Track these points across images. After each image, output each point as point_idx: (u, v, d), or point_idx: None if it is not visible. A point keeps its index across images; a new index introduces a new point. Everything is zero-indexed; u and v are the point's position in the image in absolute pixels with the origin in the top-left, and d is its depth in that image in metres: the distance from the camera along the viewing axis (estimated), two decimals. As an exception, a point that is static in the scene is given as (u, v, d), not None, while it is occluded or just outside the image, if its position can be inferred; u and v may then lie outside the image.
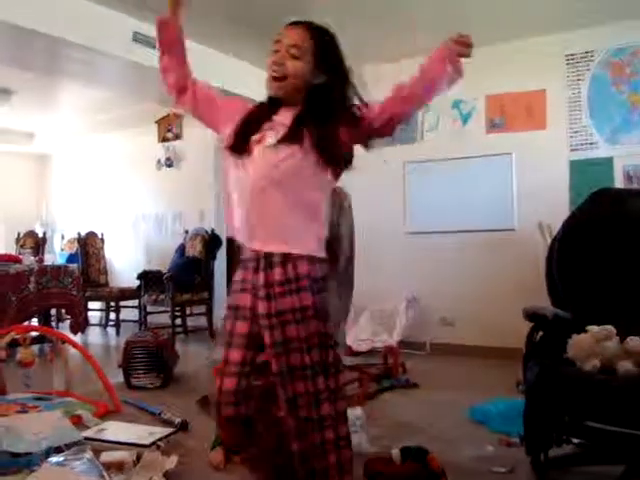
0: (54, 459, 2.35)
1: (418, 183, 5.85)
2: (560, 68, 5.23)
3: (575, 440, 2.52)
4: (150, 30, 5.00)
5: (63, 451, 2.50)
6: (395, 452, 2.43)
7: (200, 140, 7.39)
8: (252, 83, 6.63)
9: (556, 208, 4.70)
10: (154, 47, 5.22)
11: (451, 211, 5.64)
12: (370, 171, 6.11)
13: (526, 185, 5.31)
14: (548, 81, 5.27)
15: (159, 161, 7.89)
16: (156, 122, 7.61)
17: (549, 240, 3.79)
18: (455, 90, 5.65)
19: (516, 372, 3.66)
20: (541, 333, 2.60)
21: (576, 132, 5.18)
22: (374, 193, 6.03)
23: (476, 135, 5.57)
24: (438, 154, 5.71)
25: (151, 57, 5.04)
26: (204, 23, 5.00)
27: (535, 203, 5.19)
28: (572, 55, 5.20)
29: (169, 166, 7.79)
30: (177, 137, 7.54)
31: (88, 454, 2.38)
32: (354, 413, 3.03)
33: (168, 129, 7.62)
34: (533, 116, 5.32)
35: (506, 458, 2.71)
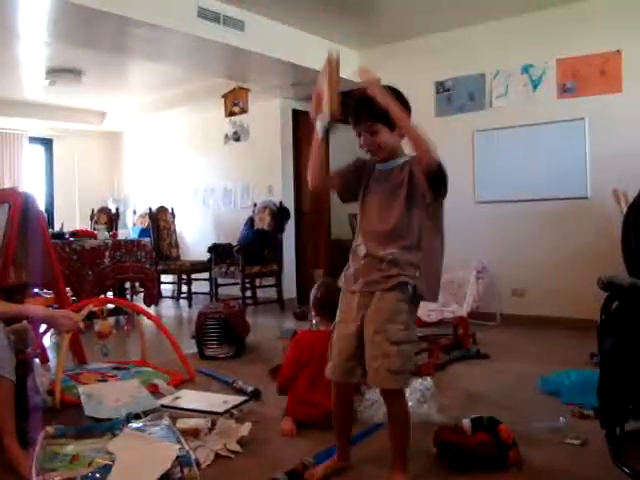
0: (134, 425, 2.45)
1: (487, 151, 5.75)
2: (637, 27, 5.00)
3: (653, 413, 2.46)
4: (214, 5, 5.06)
5: (141, 418, 2.60)
6: (466, 422, 2.43)
7: (267, 113, 7.44)
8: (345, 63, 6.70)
9: (632, 175, 4.54)
10: (219, 22, 5.29)
11: (522, 179, 5.53)
12: (438, 140, 6.04)
13: (600, 151, 5.14)
14: (624, 41, 5.05)
15: (226, 135, 7.99)
16: (222, 96, 7.67)
17: (624, 208, 3.67)
18: (525, 54, 5.48)
19: (589, 344, 3.60)
20: (617, 303, 2.53)
21: (654, 94, 4.96)
22: (443, 163, 5.95)
23: (547, 100, 5.41)
24: (507, 121, 5.59)
25: (216, 32, 5.11)
26: (295, 6, 5.04)
27: (609, 170, 5.02)
28: (651, 13, 4.96)
29: (236, 140, 7.88)
30: (244, 111, 7.58)
31: (166, 420, 2.47)
32: (423, 383, 3.05)
33: (235, 103, 7.67)
34: (608, 79, 5.11)
35: (579, 430, 2.67)
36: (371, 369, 2.13)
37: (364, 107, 2.22)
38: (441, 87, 6.00)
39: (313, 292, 3.07)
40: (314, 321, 3.22)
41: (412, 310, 2.19)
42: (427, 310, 5.17)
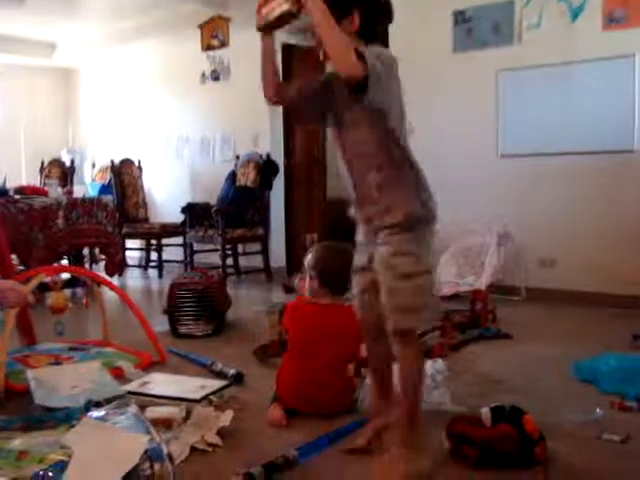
0: (94, 414, 2.45)
1: (514, 95, 5.70)
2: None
3: None
4: None
5: (103, 406, 2.61)
6: (485, 411, 2.45)
7: (251, 48, 7.27)
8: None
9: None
10: None
11: (555, 129, 5.50)
12: (456, 81, 6.03)
13: (652, 95, 5.11)
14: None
15: (203, 74, 7.91)
16: (199, 27, 7.61)
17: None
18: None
19: (632, 324, 3.63)
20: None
21: None
22: (461, 108, 5.93)
23: (589, 33, 5.34)
24: (540, 59, 5.53)
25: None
26: None
27: (661, 117, 5.01)
28: None
29: (215, 79, 7.81)
30: (224, 45, 7.51)
31: (132, 408, 2.47)
32: (435, 366, 3.07)
33: (213, 35, 7.60)
34: (667, 5, 5.04)
35: (619, 425, 2.68)
36: (385, 311, 2.26)
37: None
38: (460, 17, 5.93)
39: (312, 254, 3.02)
40: (302, 292, 3.17)
41: (420, 235, 2.28)
42: (440, 282, 5.20)
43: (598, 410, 2.82)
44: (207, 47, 7.68)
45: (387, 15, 2.33)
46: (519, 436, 2.34)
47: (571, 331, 4.50)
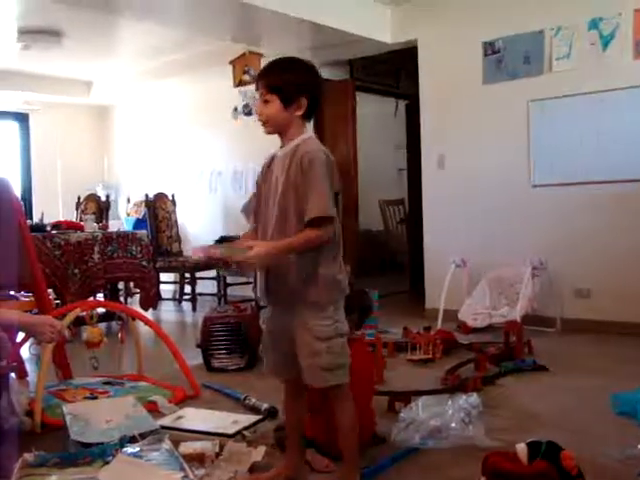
0: (129, 449, 2.46)
1: (546, 125, 5.68)
2: None
3: None
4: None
5: (138, 441, 2.61)
6: (521, 447, 2.40)
7: (282, 82, 7.41)
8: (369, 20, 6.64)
9: None
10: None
11: (588, 158, 5.46)
12: (487, 112, 6.02)
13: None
14: None
15: (236, 109, 7.98)
16: (230, 63, 7.68)
17: None
18: (593, 5, 5.43)
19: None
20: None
21: None
22: (493, 139, 5.92)
23: (620, 62, 5.32)
24: (571, 88, 5.52)
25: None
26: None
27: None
28: None
29: (247, 114, 7.87)
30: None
31: (166, 444, 2.48)
32: (469, 400, 3.04)
33: (245, 71, 7.65)
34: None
35: (661, 460, 2.63)
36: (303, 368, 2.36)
37: (265, 74, 2.47)
38: (490, 48, 5.94)
39: None
40: None
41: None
42: (473, 314, 5.17)
43: (639, 446, 2.77)
44: (239, 83, 7.73)
45: (322, 95, 2.49)
46: (557, 473, 2.30)
47: (609, 363, 4.43)
